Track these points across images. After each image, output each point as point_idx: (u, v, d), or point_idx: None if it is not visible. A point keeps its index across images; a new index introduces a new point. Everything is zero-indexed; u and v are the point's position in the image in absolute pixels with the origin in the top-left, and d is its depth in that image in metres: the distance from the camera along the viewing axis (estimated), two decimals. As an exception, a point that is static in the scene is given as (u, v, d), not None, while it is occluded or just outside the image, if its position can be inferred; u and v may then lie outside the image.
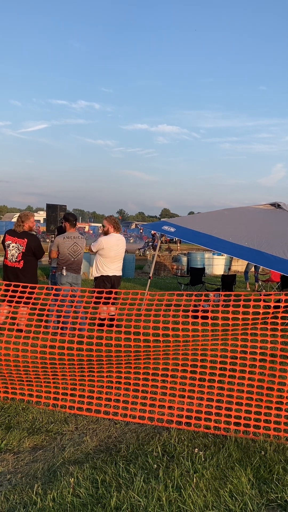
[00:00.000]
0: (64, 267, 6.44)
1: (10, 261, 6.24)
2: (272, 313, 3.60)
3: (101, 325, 4.38)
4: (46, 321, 4.11)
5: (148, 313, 3.81)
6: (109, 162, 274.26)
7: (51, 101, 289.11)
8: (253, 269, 12.98)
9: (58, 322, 4.15)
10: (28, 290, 4.16)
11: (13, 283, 4.30)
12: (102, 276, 6.89)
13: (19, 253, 6.22)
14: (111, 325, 4.26)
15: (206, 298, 4.01)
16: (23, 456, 3.16)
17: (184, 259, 16.57)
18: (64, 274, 6.43)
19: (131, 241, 36.48)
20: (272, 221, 8.41)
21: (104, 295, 4.08)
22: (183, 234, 7.89)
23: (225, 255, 14.99)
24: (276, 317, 3.61)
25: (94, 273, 7.00)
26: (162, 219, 10.32)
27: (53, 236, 12.59)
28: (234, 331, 3.70)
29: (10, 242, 6.26)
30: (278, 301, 3.62)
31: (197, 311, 3.77)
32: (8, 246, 6.27)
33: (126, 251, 7.59)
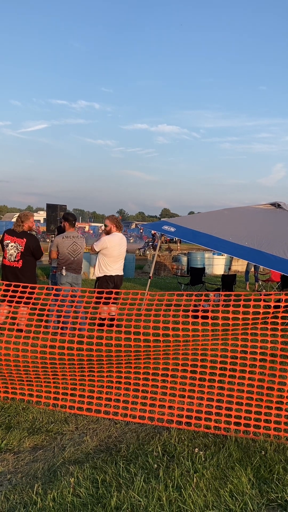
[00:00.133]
0: (64, 267, 6.44)
1: (8, 260, 6.23)
2: (272, 313, 3.60)
3: (101, 325, 4.38)
4: (46, 321, 4.11)
5: (148, 313, 3.81)
6: (109, 162, 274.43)
7: (51, 101, 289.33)
8: (253, 269, 12.98)
9: (58, 322, 4.15)
10: (28, 290, 4.16)
11: (13, 283, 4.29)
12: (105, 276, 6.84)
13: (18, 252, 6.20)
14: (111, 325, 4.26)
15: (206, 298, 4.01)
16: (23, 456, 3.16)
17: (184, 259, 16.57)
18: (64, 274, 6.43)
19: (131, 241, 36.47)
20: (272, 221, 8.41)
21: (104, 295, 4.08)
22: (183, 234, 7.89)
23: (225, 255, 14.98)
24: (276, 317, 3.61)
25: (97, 273, 6.94)
26: (162, 219, 10.29)
27: (53, 236, 12.59)
28: (234, 331, 3.70)
29: (9, 241, 6.25)
30: (278, 301, 3.62)
31: (197, 311, 3.77)
32: (7, 246, 6.25)
33: (127, 251, 7.58)
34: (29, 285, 4.24)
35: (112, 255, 6.82)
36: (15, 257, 6.20)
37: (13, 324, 4.14)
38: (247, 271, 13.21)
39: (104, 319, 4.62)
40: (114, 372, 3.86)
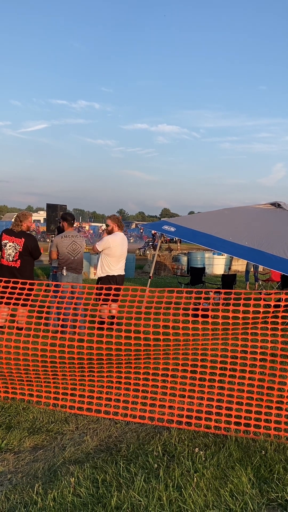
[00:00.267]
0: (64, 267, 6.44)
1: (7, 260, 6.21)
2: (273, 312, 3.60)
3: (101, 323, 4.38)
4: (46, 318, 4.11)
5: (148, 311, 3.81)
6: (109, 162, 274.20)
7: (51, 101, 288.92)
8: (252, 268, 12.98)
9: (58, 320, 4.15)
10: (27, 287, 4.15)
11: (12, 280, 4.29)
12: (107, 276, 6.81)
13: (16, 252, 6.17)
14: (112, 324, 4.26)
15: (206, 296, 4.00)
16: (24, 455, 3.16)
17: (184, 259, 16.56)
18: (65, 274, 6.42)
19: (131, 240, 36.46)
20: (272, 220, 8.41)
21: (104, 291, 4.08)
22: (183, 234, 7.89)
23: (225, 254, 14.98)
24: (277, 317, 3.61)
25: (99, 273, 6.91)
26: (162, 219, 10.28)
27: (53, 236, 12.59)
28: (234, 330, 3.70)
29: (7, 241, 6.22)
30: (279, 300, 3.62)
31: (197, 310, 3.77)
32: (5, 246, 6.21)
33: (127, 251, 7.58)
34: (28, 281, 4.24)
35: (114, 254, 6.80)
36: (13, 257, 6.18)
37: (13, 322, 4.14)
38: (247, 271, 13.21)
39: (104, 318, 4.63)
40: (114, 372, 3.86)
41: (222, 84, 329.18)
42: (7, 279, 4.36)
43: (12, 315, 4.21)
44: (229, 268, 14.76)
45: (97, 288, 4.43)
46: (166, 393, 3.79)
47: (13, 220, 6.56)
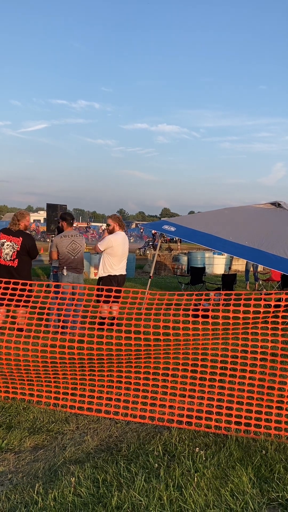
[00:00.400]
0: (65, 267, 6.43)
1: (4, 259, 6.18)
2: (273, 312, 3.59)
3: (102, 323, 4.38)
4: (47, 319, 4.11)
5: (148, 312, 3.81)
6: (109, 162, 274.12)
7: (51, 100, 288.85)
8: (252, 268, 12.98)
9: (59, 320, 4.15)
10: (27, 287, 4.15)
11: (12, 281, 4.28)
12: (109, 276, 6.79)
13: (14, 251, 6.14)
14: (112, 324, 4.26)
15: (207, 297, 4.00)
16: (24, 455, 3.16)
17: (185, 259, 16.56)
18: (65, 274, 6.42)
19: (131, 240, 36.44)
20: (273, 220, 8.41)
21: (104, 292, 4.08)
22: (183, 234, 7.88)
23: (226, 254, 14.98)
24: (277, 316, 3.61)
25: (101, 272, 6.88)
26: (162, 219, 10.28)
27: (53, 235, 12.58)
28: (234, 330, 3.70)
29: (5, 240, 6.19)
30: (279, 300, 3.62)
31: (197, 310, 3.77)
32: (3, 245, 6.18)
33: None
34: (29, 282, 4.24)
35: (116, 254, 6.79)
36: (11, 256, 6.14)
37: (13, 323, 4.14)
38: (247, 270, 13.22)
39: (104, 318, 4.62)
40: (114, 371, 3.86)
41: (222, 84, 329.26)
42: (6, 279, 4.36)
43: (12, 317, 4.20)
44: (230, 268, 14.77)
45: (98, 289, 4.42)
46: (167, 392, 3.79)
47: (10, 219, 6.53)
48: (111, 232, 6.97)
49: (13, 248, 6.14)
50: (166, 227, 8.00)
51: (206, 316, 3.81)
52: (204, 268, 11.93)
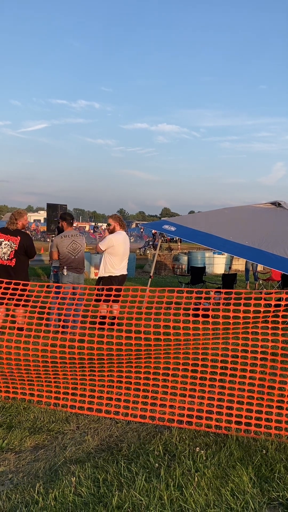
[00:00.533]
0: (65, 267, 6.43)
1: (1, 259, 6.15)
2: (273, 311, 3.59)
3: (102, 323, 4.38)
4: (47, 319, 4.11)
5: (149, 311, 3.81)
6: (109, 162, 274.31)
7: (51, 100, 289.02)
8: (251, 267, 12.98)
9: (59, 320, 4.15)
10: (27, 287, 4.15)
11: (13, 282, 4.28)
12: (110, 276, 6.76)
13: (12, 251, 6.10)
14: (112, 324, 4.25)
15: (207, 296, 4.00)
16: (25, 455, 3.16)
17: (185, 258, 16.55)
18: (66, 274, 6.42)
19: (131, 240, 36.39)
20: (273, 220, 8.40)
21: (104, 292, 4.07)
22: (183, 233, 7.88)
23: (226, 254, 14.97)
24: (277, 316, 3.61)
25: (102, 272, 6.85)
26: (162, 219, 10.29)
27: (53, 235, 12.59)
28: (235, 329, 3.70)
29: (3, 240, 6.15)
30: (279, 299, 3.62)
31: (198, 309, 3.77)
32: (0, 244, 6.16)
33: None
34: (29, 283, 4.24)
35: (118, 253, 6.77)
36: (9, 256, 6.09)
37: (13, 323, 4.14)
38: (246, 269, 13.21)
39: (105, 318, 4.62)
40: (115, 371, 3.86)
41: (222, 83, 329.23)
42: (6, 280, 4.36)
43: (12, 316, 4.20)
44: (230, 268, 14.77)
45: (98, 289, 4.42)
46: (167, 392, 3.79)
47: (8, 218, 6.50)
48: (111, 231, 6.95)
49: (10, 247, 6.11)
50: (166, 226, 8.00)
51: (207, 316, 3.81)
52: (204, 267, 11.92)
